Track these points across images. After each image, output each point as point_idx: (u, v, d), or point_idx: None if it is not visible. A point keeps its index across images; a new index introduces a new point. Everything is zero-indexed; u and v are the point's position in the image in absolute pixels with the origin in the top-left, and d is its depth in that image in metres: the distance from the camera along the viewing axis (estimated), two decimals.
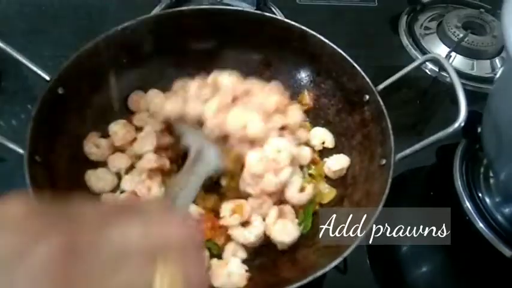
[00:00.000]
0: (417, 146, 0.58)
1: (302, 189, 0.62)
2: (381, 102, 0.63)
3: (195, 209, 0.60)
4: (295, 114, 0.68)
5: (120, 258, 0.24)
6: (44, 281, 0.22)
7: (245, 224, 0.60)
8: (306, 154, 0.67)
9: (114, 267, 0.24)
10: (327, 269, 0.49)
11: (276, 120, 0.64)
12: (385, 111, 0.62)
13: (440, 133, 0.56)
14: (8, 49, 0.60)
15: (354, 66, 0.67)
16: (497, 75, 0.65)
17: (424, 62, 0.65)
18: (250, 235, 0.58)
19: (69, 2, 0.98)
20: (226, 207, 0.60)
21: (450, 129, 0.55)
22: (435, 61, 0.69)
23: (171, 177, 0.63)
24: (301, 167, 0.67)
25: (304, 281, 0.48)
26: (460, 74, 0.86)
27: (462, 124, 0.55)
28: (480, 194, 0.70)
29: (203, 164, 0.57)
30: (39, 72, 0.61)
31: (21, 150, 0.55)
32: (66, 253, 0.23)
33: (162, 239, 0.27)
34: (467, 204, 0.69)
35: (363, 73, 0.66)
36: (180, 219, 0.30)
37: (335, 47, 0.69)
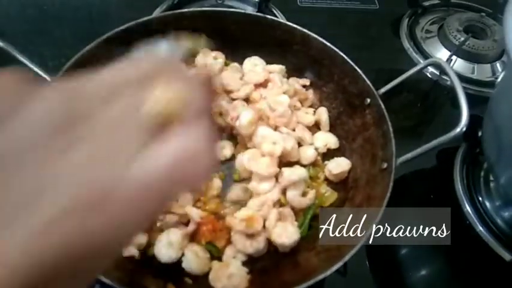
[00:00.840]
0: (419, 150, 0.58)
1: (304, 194, 0.62)
2: (382, 106, 0.63)
3: (196, 212, 0.60)
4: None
5: (116, 94, 0.23)
6: (44, 125, 0.21)
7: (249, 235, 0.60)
8: (310, 154, 0.67)
9: (108, 99, 0.23)
10: (329, 272, 0.49)
11: None
12: (386, 114, 0.62)
13: (442, 138, 0.56)
14: (9, 49, 0.60)
15: (355, 69, 0.67)
16: (498, 79, 0.65)
17: (426, 66, 0.65)
18: (250, 247, 0.58)
19: (70, 2, 0.98)
20: (241, 213, 0.59)
21: (452, 134, 0.55)
22: (436, 65, 0.69)
23: None
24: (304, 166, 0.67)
25: (305, 285, 0.48)
26: (461, 78, 0.86)
27: (464, 129, 0.55)
28: (480, 198, 0.70)
29: None
30: (40, 72, 0.61)
31: None
32: (60, 97, 0.22)
33: (159, 63, 0.26)
34: (468, 208, 0.69)
35: (364, 76, 0.66)
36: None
37: (336, 50, 0.69)
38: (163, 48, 0.52)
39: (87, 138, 0.22)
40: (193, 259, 0.56)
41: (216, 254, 0.59)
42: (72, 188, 0.20)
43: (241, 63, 0.76)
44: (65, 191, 0.20)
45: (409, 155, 0.58)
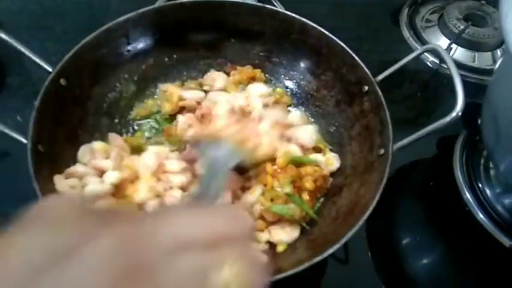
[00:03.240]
0: (415, 136, 0.58)
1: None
2: (380, 93, 0.63)
3: None
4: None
5: (181, 250, 0.23)
6: (101, 278, 0.20)
7: None
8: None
9: (173, 255, 0.22)
10: (325, 255, 0.49)
11: None
12: (383, 101, 0.62)
13: (438, 122, 0.56)
14: (12, 41, 0.61)
15: (353, 57, 0.67)
16: (496, 66, 0.65)
17: (423, 53, 0.65)
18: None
19: None
20: None
21: (448, 119, 0.55)
22: (435, 53, 0.69)
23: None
24: None
25: (302, 268, 0.49)
26: (461, 66, 0.87)
27: (460, 113, 0.55)
28: (480, 185, 0.70)
29: (221, 165, 0.54)
30: (42, 63, 0.62)
31: (24, 140, 0.55)
32: (123, 245, 0.21)
33: (226, 229, 0.25)
34: (467, 195, 0.69)
35: (362, 64, 0.66)
36: (235, 212, 0.28)
37: (335, 38, 0.69)
38: (224, 151, 0.54)
39: None
40: None
41: None
42: None
43: (241, 53, 0.77)
44: None
45: (405, 141, 0.58)
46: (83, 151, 0.63)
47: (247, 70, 0.76)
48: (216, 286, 0.23)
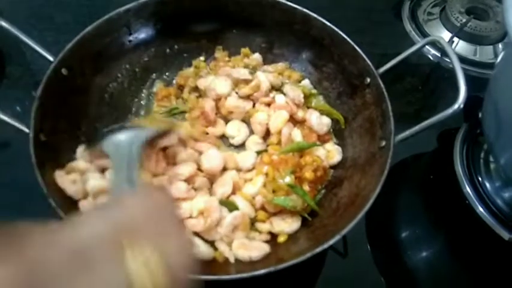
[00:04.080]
0: (417, 128, 0.58)
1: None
2: (382, 85, 0.63)
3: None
4: None
5: (83, 259, 0.22)
6: None
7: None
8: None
9: (80, 269, 0.22)
10: (325, 246, 0.50)
11: None
12: (385, 93, 0.62)
13: (440, 115, 0.56)
14: (13, 30, 0.61)
15: (355, 49, 0.67)
16: (498, 59, 0.65)
17: (425, 45, 0.65)
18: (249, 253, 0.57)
19: None
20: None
21: (449, 111, 0.55)
22: (437, 45, 0.68)
23: None
24: None
25: (303, 258, 0.49)
26: (463, 60, 0.87)
27: (462, 106, 0.55)
28: (480, 179, 0.70)
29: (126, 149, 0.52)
30: (44, 53, 0.62)
31: (26, 130, 0.55)
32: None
33: (123, 219, 0.25)
34: (467, 189, 0.69)
35: (364, 56, 0.66)
36: (138, 196, 0.28)
37: (336, 29, 0.69)
38: (125, 137, 0.54)
39: None
40: None
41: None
42: None
43: (243, 44, 0.77)
44: None
45: (407, 132, 0.59)
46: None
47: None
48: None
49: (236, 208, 0.59)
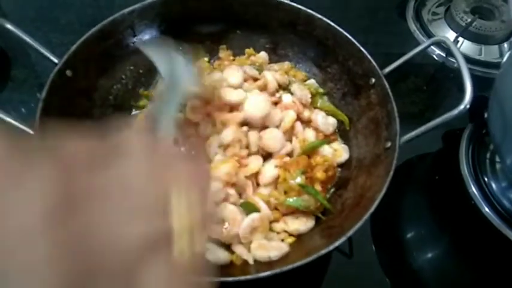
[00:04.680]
0: (422, 129, 0.58)
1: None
2: (387, 86, 0.63)
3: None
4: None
5: (127, 204, 0.21)
6: (35, 243, 0.18)
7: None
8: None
9: (121, 216, 0.21)
10: (331, 247, 0.49)
11: None
12: (390, 94, 0.62)
13: (446, 115, 0.56)
14: (18, 32, 0.61)
15: (360, 49, 0.67)
16: (504, 59, 0.65)
17: (431, 45, 0.64)
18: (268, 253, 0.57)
19: None
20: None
21: (455, 111, 0.55)
22: (442, 45, 0.68)
23: None
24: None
25: (306, 261, 0.49)
26: (468, 60, 0.85)
27: (468, 106, 0.55)
28: (486, 179, 0.70)
29: (178, 88, 0.51)
30: (48, 55, 0.62)
31: (31, 132, 0.55)
32: (61, 202, 0.19)
33: (171, 175, 0.24)
34: (473, 189, 0.69)
35: (369, 56, 0.66)
36: (183, 156, 0.28)
37: (341, 30, 0.69)
38: (185, 74, 0.53)
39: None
40: None
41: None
42: None
43: (247, 45, 0.77)
44: None
45: (413, 133, 0.58)
46: None
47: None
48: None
49: (255, 210, 0.59)
